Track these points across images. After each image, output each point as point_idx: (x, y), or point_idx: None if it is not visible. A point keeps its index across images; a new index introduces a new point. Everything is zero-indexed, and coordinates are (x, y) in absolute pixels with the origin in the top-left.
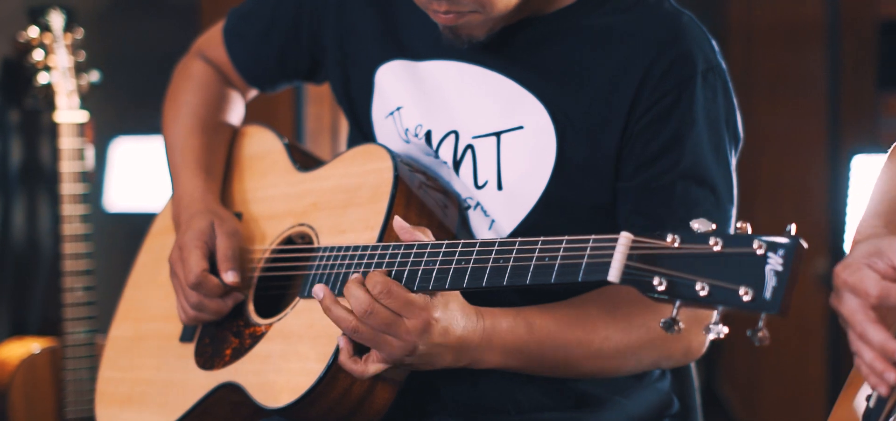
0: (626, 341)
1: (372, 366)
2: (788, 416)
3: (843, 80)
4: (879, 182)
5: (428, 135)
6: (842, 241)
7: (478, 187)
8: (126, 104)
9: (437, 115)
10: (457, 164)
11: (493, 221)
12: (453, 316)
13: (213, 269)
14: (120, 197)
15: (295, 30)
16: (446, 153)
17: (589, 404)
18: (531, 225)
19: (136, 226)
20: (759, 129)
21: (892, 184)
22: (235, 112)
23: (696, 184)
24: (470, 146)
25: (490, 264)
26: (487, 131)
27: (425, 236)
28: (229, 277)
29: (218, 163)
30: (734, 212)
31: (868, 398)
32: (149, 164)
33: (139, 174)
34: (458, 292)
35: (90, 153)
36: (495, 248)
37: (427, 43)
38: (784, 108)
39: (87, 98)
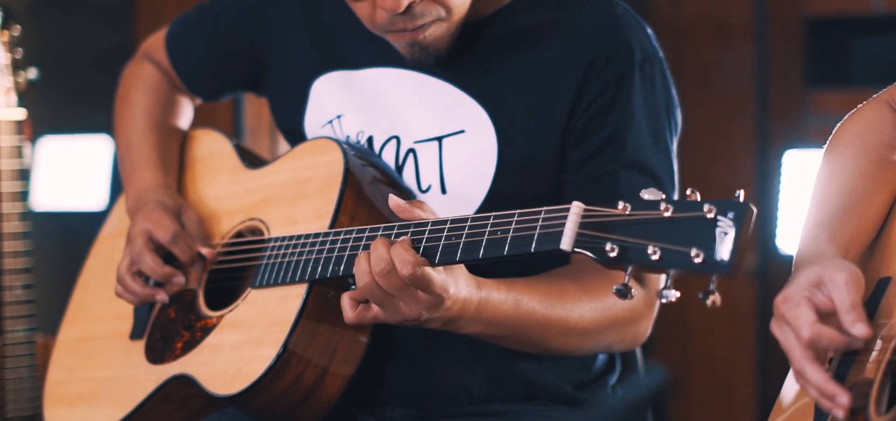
0: (596, 321)
1: (370, 314)
2: (718, 407)
3: (771, 77)
4: (817, 186)
5: (369, 141)
6: (773, 236)
7: (422, 191)
8: (56, 102)
9: (378, 122)
10: (399, 169)
11: None
12: (460, 292)
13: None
14: (47, 196)
15: (233, 44)
16: (388, 158)
17: (537, 396)
18: None
19: (65, 225)
20: (688, 126)
21: (832, 185)
22: (184, 116)
23: (639, 173)
24: (411, 150)
25: (442, 242)
26: (429, 136)
27: (424, 213)
28: (206, 250)
29: (172, 160)
30: (675, 193)
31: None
32: (76, 163)
33: (66, 173)
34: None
35: (28, 151)
36: (447, 226)
37: (365, 52)
38: (713, 105)
39: (25, 95)
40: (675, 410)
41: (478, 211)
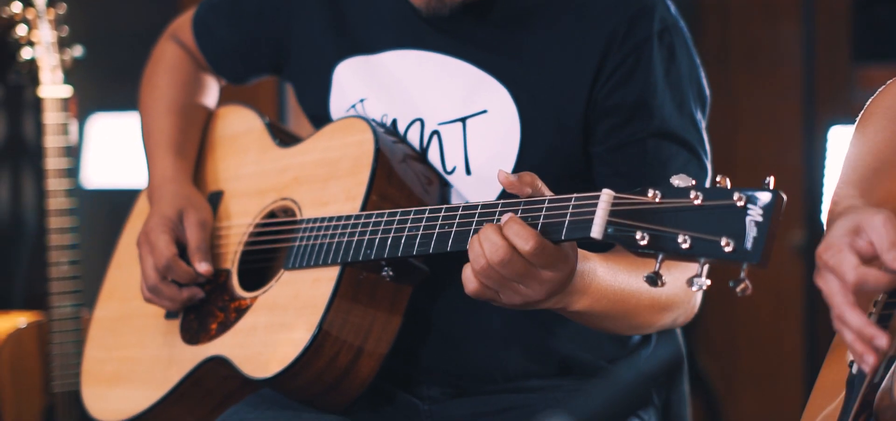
0: (670, 296)
1: (489, 293)
2: (766, 387)
3: (818, 54)
4: (851, 150)
5: (393, 124)
6: (819, 212)
7: (447, 173)
8: (104, 80)
9: (401, 104)
10: (423, 152)
11: (467, 200)
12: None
13: (183, 255)
14: (98, 173)
15: (257, 29)
16: (412, 141)
17: (573, 370)
18: None
19: (115, 202)
20: (736, 104)
21: (864, 150)
22: (209, 95)
23: (667, 140)
24: (436, 132)
25: (473, 227)
26: (452, 117)
27: (532, 189)
28: (202, 267)
29: (191, 143)
30: (709, 164)
31: (851, 364)
32: (126, 140)
33: (117, 151)
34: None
35: (74, 128)
36: (478, 211)
37: (381, 35)
38: (760, 82)
39: (71, 73)
40: (722, 389)
41: (502, 193)
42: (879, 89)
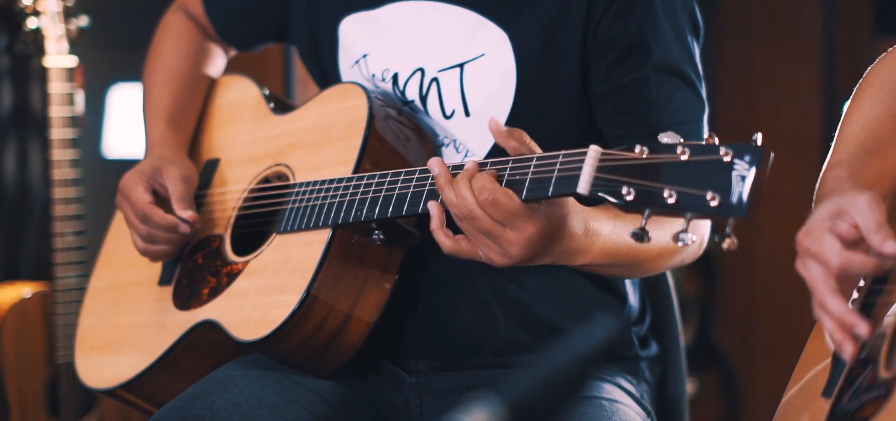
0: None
1: (462, 245)
2: (785, 362)
3: (839, 27)
4: (843, 125)
5: (395, 77)
6: None
7: (446, 118)
8: (122, 50)
9: (402, 56)
10: (422, 99)
11: (467, 153)
12: (558, 225)
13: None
14: (119, 144)
15: None
16: (412, 91)
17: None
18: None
19: None
20: (756, 75)
21: (857, 126)
22: (214, 65)
23: (668, 74)
24: (435, 79)
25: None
26: (451, 64)
27: (519, 144)
28: (187, 213)
29: (188, 113)
30: (704, 92)
31: None
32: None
33: (137, 121)
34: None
35: (80, 98)
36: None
37: None
38: (781, 55)
39: (77, 43)
40: (741, 365)
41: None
42: (879, 58)
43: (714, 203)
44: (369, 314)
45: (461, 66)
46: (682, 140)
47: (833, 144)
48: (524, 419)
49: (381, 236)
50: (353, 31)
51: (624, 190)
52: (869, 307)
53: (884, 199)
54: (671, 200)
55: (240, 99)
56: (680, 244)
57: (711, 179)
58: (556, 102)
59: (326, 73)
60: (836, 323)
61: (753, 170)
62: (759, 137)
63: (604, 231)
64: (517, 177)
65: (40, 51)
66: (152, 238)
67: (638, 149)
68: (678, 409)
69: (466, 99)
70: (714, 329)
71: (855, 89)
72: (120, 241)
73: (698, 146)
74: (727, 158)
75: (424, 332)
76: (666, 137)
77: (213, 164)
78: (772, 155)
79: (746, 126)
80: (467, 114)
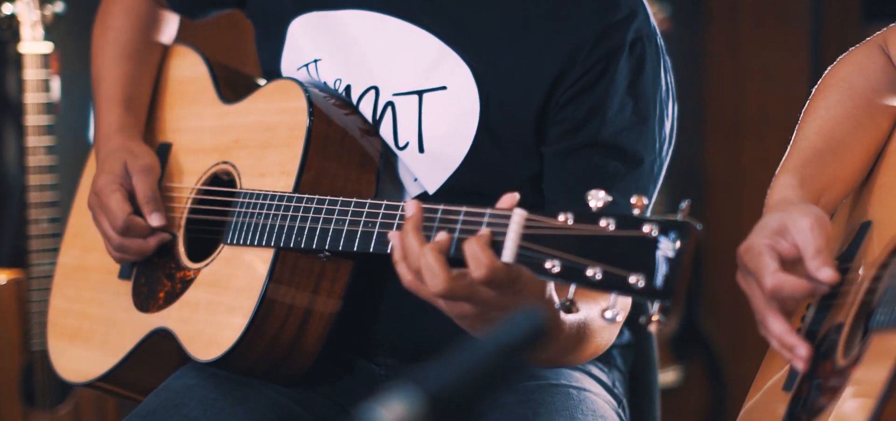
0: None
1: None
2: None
3: (827, 13)
4: (799, 129)
5: (347, 89)
6: None
7: (399, 148)
8: None
9: (357, 70)
10: (376, 123)
11: (415, 178)
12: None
13: (137, 210)
14: None
15: None
16: (365, 110)
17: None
18: (456, 185)
19: None
20: (745, 62)
21: (812, 129)
22: (165, 32)
23: (613, 156)
24: (390, 104)
25: (395, 230)
26: (409, 89)
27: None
28: (154, 219)
29: (142, 91)
30: (655, 185)
31: (798, 330)
32: None
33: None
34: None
35: (56, 85)
36: (398, 214)
37: None
38: (768, 41)
39: (52, 29)
40: (728, 353)
41: (454, 174)
42: (839, 58)
43: (639, 285)
44: (322, 324)
45: (420, 94)
46: (610, 200)
47: (788, 148)
48: (443, 409)
49: (328, 253)
50: (306, 33)
51: (548, 264)
52: (830, 297)
53: (838, 201)
54: (597, 278)
55: (189, 77)
56: (608, 320)
57: (636, 258)
58: (512, 152)
59: (270, 71)
60: (779, 344)
61: (679, 249)
62: (684, 207)
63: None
64: (447, 230)
65: (15, 37)
66: (125, 249)
67: (562, 217)
68: (650, 396)
69: (423, 133)
70: (700, 317)
71: (812, 92)
72: (84, 215)
73: (624, 218)
74: (652, 235)
75: (390, 333)
76: (593, 200)
77: (166, 150)
78: (699, 229)
79: (736, 115)
80: (421, 149)
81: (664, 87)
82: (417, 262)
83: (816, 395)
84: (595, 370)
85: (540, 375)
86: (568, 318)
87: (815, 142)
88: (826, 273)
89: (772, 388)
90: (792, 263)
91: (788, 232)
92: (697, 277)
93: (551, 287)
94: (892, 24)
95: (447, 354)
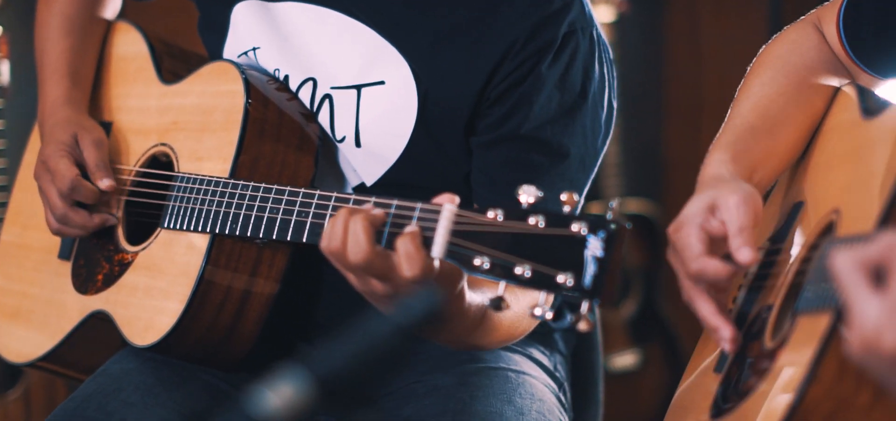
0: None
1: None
2: None
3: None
4: (734, 105)
5: (285, 80)
6: None
7: (336, 141)
8: None
9: (295, 60)
10: (313, 115)
11: (354, 169)
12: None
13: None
14: None
15: None
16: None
17: None
18: (394, 178)
19: None
20: (704, 48)
21: (747, 106)
22: (109, 8)
23: (535, 148)
24: (328, 96)
25: (327, 221)
26: (347, 83)
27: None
28: (104, 183)
29: (87, 65)
30: (586, 176)
31: (730, 311)
32: None
33: None
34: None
35: (5, 68)
36: (332, 203)
37: None
38: (728, 25)
39: (2, 12)
40: (686, 335)
41: (391, 168)
42: (773, 37)
43: (568, 284)
44: (260, 309)
45: (358, 88)
46: (541, 196)
47: (723, 125)
48: (333, 391)
49: (263, 240)
50: (247, 19)
51: (477, 260)
52: (761, 278)
53: (772, 178)
54: (525, 276)
55: (131, 55)
56: (538, 319)
57: (565, 257)
58: (449, 148)
59: (214, 57)
60: (704, 323)
61: (608, 250)
62: (614, 206)
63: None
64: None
65: None
66: (67, 220)
67: (491, 213)
68: (593, 379)
69: (360, 127)
70: (658, 300)
71: (748, 70)
72: (27, 192)
73: (553, 216)
74: (581, 234)
75: (331, 311)
76: (524, 195)
77: (106, 129)
78: (628, 228)
79: (694, 101)
80: (358, 144)
81: (598, 78)
82: (344, 227)
83: (745, 376)
84: (536, 353)
85: (478, 358)
86: (475, 301)
87: (748, 118)
88: (744, 254)
89: (705, 369)
90: (721, 241)
91: (718, 209)
92: (656, 260)
93: (464, 281)
94: (826, 3)
95: (338, 336)
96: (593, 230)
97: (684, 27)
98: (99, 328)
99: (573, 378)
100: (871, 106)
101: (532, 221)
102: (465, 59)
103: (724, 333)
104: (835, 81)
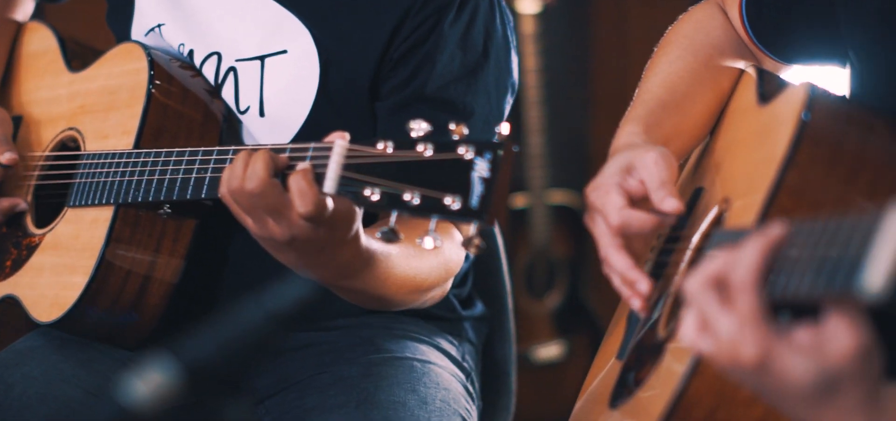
0: (434, 272)
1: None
2: None
3: None
4: (643, 82)
5: (190, 54)
6: None
7: (240, 112)
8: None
9: (199, 35)
10: (218, 88)
11: (258, 141)
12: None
13: None
14: None
15: None
16: (207, 75)
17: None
18: None
19: None
20: (630, 37)
21: (656, 82)
22: (21, 9)
23: (441, 108)
24: (232, 69)
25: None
26: (251, 55)
27: None
28: (5, 157)
29: None
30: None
31: None
32: None
33: None
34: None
35: None
36: (230, 157)
37: None
38: (655, 14)
39: None
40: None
41: (295, 138)
42: (679, 17)
43: (455, 206)
44: (165, 284)
45: (262, 59)
46: (429, 130)
47: (632, 102)
48: (201, 378)
49: (169, 211)
50: None
51: (367, 191)
52: (661, 266)
53: (681, 155)
54: (414, 202)
55: (40, 50)
56: (425, 246)
57: (452, 180)
58: (352, 114)
59: (122, 39)
60: (621, 279)
61: (495, 169)
62: (503, 129)
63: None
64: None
65: None
66: None
67: (382, 144)
68: (505, 369)
69: (264, 97)
70: (584, 291)
71: (656, 48)
72: None
73: (441, 143)
74: (468, 157)
75: (236, 290)
76: (414, 128)
77: (17, 124)
78: (515, 150)
79: (621, 88)
80: (262, 114)
81: (501, 39)
82: (244, 164)
83: (641, 365)
84: (444, 343)
85: (383, 348)
86: (373, 246)
87: (658, 93)
88: (670, 203)
89: (607, 355)
90: (640, 201)
91: (635, 169)
92: (581, 251)
93: (358, 223)
94: None
95: (209, 323)
96: (480, 153)
97: (611, 19)
98: (9, 314)
99: (485, 368)
100: (766, 91)
101: (420, 148)
102: (365, 24)
103: (640, 286)
104: (740, 63)
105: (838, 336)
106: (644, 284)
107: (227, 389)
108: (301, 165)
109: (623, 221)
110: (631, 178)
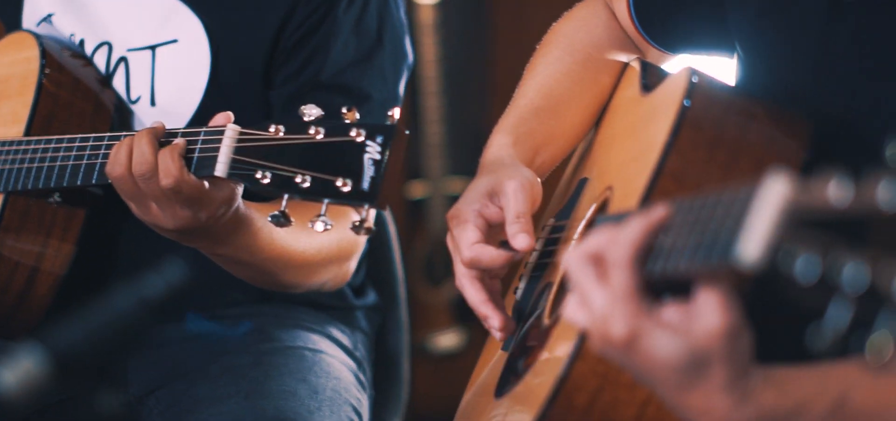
0: (322, 253)
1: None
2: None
3: None
4: (519, 87)
5: (81, 44)
6: None
7: (131, 102)
8: None
9: (90, 25)
10: (109, 77)
11: None
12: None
13: None
14: None
15: None
16: (98, 65)
17: (275, 296)
18: None
19: None
20: (530, 27)
21: (532, 86)
22: None
23: (336, 94)
24: (123, 59)
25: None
26: (142, 45)
27: None
28: None
29: None
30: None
31: (516, 290)
32: None
33: None
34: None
35: None
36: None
37: None
38: (555, 6)
39: None
40: None
41: (188, 125)
42: (563, 15)
43: (346, 189)
44: (54, 272)
45: (153, 49)
46: (320, 114)
47: (508, 107)
48: (71, 366)
49: (58, 199)
50: None
51: (258, 174)
52: (547, 255)
53: (556, 159)
54: (305, 185)
55: None
56: (318, 229)
57: (344, 162)
58: (245, 102)
59: (10, 28)
60: (475, 311)
61: (385, 152)
62: (395, 113)
63: (256, 224)
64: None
65: None
66: None
67: (273, 128)
68: (397, 359)
69: (155, 87)
70: None
71: (535, 50)
72: None
73: (333, 125)
74: (360, 139)
75: (129, 280)
76: (307, 112)
77: None
78: (407, 133)
79: (521, 78)
80: (153, 103)
81: (395, 22)
82: (129, 146)
83: (525, 354)
84: (336, 332)
85: (274, 337)
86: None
87: (533, 99)
88: (520, 240)
89: (493, 346)
90: (499, 227)
91: (497, 195)
92: None
93: (239, 199)
94: None
95: (78, 311)
96: (372, 136)
97: (510, 8)
98: None
99: (377, 357)
100: (649, 81)
101: (312, 131)
102: (256, 11)
103: (493, 322)
104: (624, 57)
105: (706, 314)
106: (496, 320)
107: (102, 382)
108: (176, 141)
109: (474, 257)
110: (491, 205)
